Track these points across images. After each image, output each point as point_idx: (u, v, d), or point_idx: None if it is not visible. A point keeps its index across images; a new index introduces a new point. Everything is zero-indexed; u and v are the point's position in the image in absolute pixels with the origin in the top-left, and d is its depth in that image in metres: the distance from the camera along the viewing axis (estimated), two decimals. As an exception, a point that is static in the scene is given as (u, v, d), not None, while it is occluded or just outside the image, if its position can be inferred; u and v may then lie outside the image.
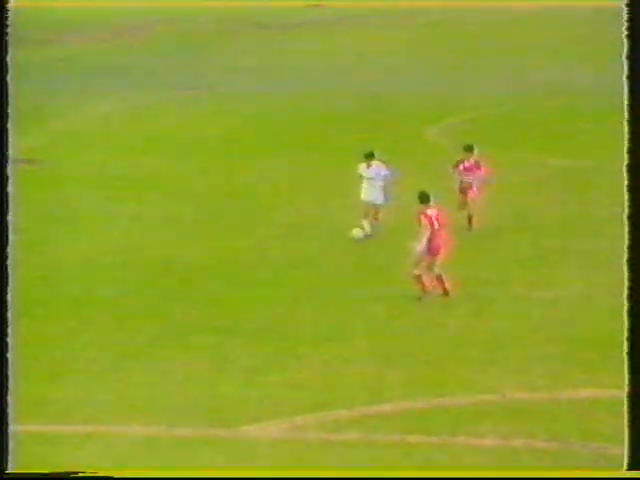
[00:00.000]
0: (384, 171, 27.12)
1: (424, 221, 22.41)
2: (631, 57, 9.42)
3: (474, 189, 27.80)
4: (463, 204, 27.82)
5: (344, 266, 25.28)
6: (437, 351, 20.57)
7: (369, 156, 27.31)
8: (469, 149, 28.24)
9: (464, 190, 27.89)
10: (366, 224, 26.81)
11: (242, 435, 17.38)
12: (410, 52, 60.10)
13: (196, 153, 37.14)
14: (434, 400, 18.51)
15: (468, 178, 27.88)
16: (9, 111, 12.54)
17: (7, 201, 9.31)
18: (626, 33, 9.57)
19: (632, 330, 9.97)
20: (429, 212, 22.64)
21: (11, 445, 10.29)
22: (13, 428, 10.31)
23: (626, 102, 9.53)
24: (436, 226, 22.49)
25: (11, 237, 28.52)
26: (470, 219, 27.78)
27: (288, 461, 16.55)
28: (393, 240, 25.43)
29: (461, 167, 28.10)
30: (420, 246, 22.37)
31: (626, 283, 10.87)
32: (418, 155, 35.57)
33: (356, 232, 26.03)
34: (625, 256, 10.94)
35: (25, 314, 22.45)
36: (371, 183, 27.08)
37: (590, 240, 26.74)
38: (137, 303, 23.23)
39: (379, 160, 27.35)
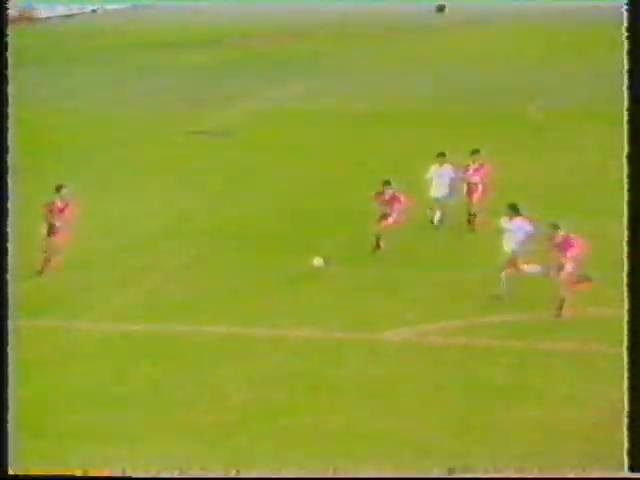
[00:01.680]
0: (453, 174, 24.08)
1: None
2: (631, 57, 8.18)
3: (479, 190, 24.07)
4: (469, 204, 23.99)
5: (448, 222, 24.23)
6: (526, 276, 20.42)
7: (441, 155, 24.33)
8: (475, 152, 24.54)
9: (470, 192, 24.21)
10: (437, 215, 23.86)
11: (381, 338, 17.57)
12: (514, 49, 59.11)
13: (344, 126, 36.94)
14: (524, 314, 18.47)
15: (475, 179, 24.25)
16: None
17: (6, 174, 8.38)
18: (626, 34, 8.32)
19: (631, 334, 8.41)
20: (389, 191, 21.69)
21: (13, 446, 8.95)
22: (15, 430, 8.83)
23: (626, 103, 8.38)
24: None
25: (202, 193, 28.80)
26: (472, 219, 23.81)
27: (414, 359, 16.76)
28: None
29: (470, 171, 24.30)
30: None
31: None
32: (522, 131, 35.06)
33: (317, 261, 20.93)
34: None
35: (223, 249, 22.90)
36: (439, 181, 24.00)
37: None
38: (307, 237, 23.16)
39: (450, 163, 24.23)
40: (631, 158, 8.42)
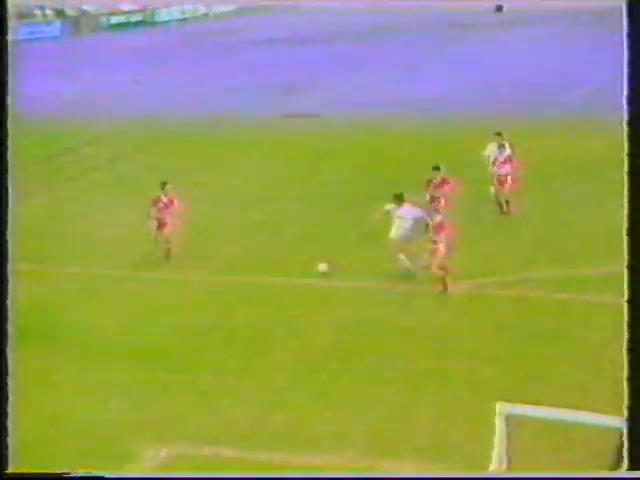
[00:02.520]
0: (497, 154, 22.45)
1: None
2: (631, 57, 7.26)
3: (509, 181, 22.32)
4: (499, 193, 22.10)
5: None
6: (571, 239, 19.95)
7: (498, 135, 22.68)
8: (502, 146, 22.46)
9: (501, 182, 22.13)
10: (491, 189, 22.28)
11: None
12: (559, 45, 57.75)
13: (410, 111, 36.22)
14: (569, 271, 18.05)
15: (503, 171, 22.42)
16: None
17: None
18: (626, 33, 7.28)
19: (632, 332, 7.70)
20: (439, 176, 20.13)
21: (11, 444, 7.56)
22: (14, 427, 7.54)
23: (626, 104, 7.51)
24: None
25: (291, 166, 28.45)
26: (507, 205, 21.93)
27: (474, 307, 16.56)
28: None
29: (497, 163, 22.62)
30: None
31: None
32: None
33: (322, 267, 18.21)
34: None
35: (312, 211, 22.79)
36: (491, 159, 22.54)
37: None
38: (377, 204, 22.92)
39: (503, 142, 22.52)
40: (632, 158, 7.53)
